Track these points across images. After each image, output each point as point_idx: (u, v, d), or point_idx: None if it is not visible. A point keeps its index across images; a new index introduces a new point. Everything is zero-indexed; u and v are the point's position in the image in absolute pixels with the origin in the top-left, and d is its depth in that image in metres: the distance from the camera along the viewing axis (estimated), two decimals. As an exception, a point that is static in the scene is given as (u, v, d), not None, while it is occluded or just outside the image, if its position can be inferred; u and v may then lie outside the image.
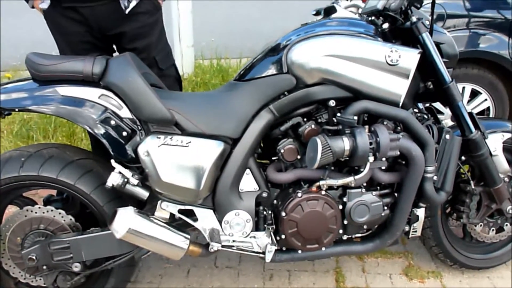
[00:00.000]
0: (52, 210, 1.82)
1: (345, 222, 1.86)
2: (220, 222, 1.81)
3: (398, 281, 2.29)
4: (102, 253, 1.79)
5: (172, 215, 1.80)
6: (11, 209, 1.93)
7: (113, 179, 1.68)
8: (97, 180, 1.78)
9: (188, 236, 1.77)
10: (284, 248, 1.91)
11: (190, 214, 1.81)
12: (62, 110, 1.69)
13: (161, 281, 2.26)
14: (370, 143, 1.71)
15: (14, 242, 1.82)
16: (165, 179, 1.69)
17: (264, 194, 1.85)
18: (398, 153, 1.78)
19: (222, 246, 1.80)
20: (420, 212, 2.00)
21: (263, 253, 1.87)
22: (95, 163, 1.85)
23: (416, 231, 2.06)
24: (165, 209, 1.77)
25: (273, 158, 1.92)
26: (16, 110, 1.71)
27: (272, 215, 1.84)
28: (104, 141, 1.69)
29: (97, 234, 1.75)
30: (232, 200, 1.80)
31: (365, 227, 1.91)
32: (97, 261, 1.85)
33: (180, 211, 1.78)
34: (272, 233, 1.86)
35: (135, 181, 1.68)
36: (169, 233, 1.73)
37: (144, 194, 1.73)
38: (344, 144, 1.69)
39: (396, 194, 1.93)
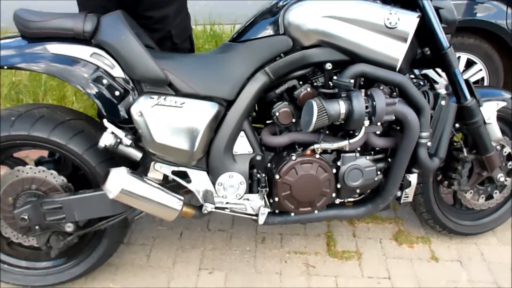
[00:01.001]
0: (44, 171, 1.80)
1: (339, 186, 1.87)
2: (213, 184, 1.81)
3: (388, 246, 2.33)
4: (95, 214, 1.78)
5: (165, 176, 1.80)
6: (2, 170, 1.90)
7: (106, 140, 1.66)
8: (90, 140, 1.76)
9: (182, 198, 1.77)
10: (277, 211, 1.92)
11: (184, 176, 1.80)
12: (53, 68, 1.65)
13: (154, 243, 2.28)
14: (366, 107, 1.70)
15: (6, 202, 1.81)
16: (159, 140, 1.67)
17: (258, 157, 1.85)
18: (394, 117, 1.77)
19: (216, 208, 1.81)
20: (413, 178, 2.02)
21: (256, 215, 1.88)
22: (87, 123, 1.83)
23: (407, 197, 2.08)
24: (158, 170, 1.76)
25: (268, 122, 1.90)
26: (5, 67, 1.66)
27: (266, 178, 1.85)
28: (96, 101, 1.66)
29: (90, 195, 1.74)
30: (226, 163, 1.80)
31: (358, 191, 1.93)
32: (90, 222, 1.85)
33: (173, 173, 1.78)
34: (265, 196, 1.87)
35: (128, 142, 1.66)
36: (163, 194, 1.72)
37: (137, 155, 1.72)
38: (340, 107, 1.68)
39: (389, 160, 1.93)
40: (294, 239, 2.34)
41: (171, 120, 1.67)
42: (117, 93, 1.67)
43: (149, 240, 2.29)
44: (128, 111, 1.67)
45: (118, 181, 1.64)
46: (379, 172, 1.91)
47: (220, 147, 1.77)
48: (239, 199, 1.84)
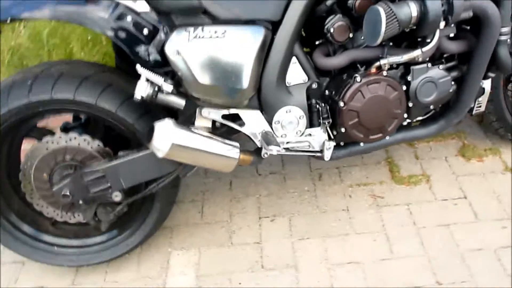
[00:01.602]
0: (75, 138, 1.57)
1: (410, 104, 1.63)
2: (270, 123, 1.58)
3: (456, 163, 2.13)
4: (143, 177, 1.57)
5: (213, 123, 1.56)
6: (28, 144, 1.68)
7: (142, 89, 1.41)
8: (121, 94, 1.51)
9: (237, 144, 1.54)
10: (341, 143, 1.70)
11: (233, 119, 1.57)
12: (60, 12, 1.37)
13: (204, 198, 2.09)
14: (441, 5, 1.41)
15: (41, 179, 1.60)
16: (203, 80, 1.42)
17: (314, 85, 1.59)
18: (472, 14, 1.49)
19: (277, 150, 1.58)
20: (487, 84, 1.77)
21: (320, 151, 1.66)
22: (114, 75, 1.57)
23: (480, 106, 1.85)
24: (206, 117, 1.52)
25: (317, 43, 1.63)
26: (8, 21, 1.38)
27: (327, 107, 1.60)
28: (121, 44, 1.40)
29: (134, 157, 1.52)
30: (281, 96, 1.55)
31: (431, 107, 1.69)
32: (138, 187, 1.64)
33: (223, 117, 1.54)
34: (328, 128, 1.64)
35: (169, 88, 1.40)
36: (217, 143, 1.50)
37: (180, 103, 1.47)
38: (411, 9, 1.40)
39: (463, 66, 1.67)
40: (353, 171, 2.14)
41: (213, 54, 1.40)
42: (145, 31, 1.40)
43: (198, 196, 2.10)
44: (161, 52, 1.40)
45: (167, 136, 1.41)
46: (453, 82, 1.66)
47: (272, 79, 1.52)
48: (300, 136, 1.61)
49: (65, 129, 1.71)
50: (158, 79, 1.40)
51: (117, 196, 1.59)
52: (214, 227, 1.96)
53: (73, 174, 1.57)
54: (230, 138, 1.55)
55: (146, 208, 1.71)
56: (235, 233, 1.93)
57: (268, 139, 1.53)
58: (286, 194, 2.06)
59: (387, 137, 1.69)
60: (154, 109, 1.55)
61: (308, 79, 1.59)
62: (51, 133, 1.64)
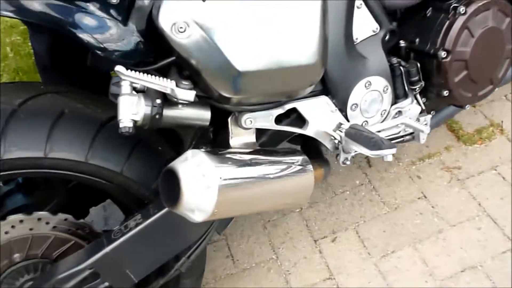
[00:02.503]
0: (21, 221, 0.87)
1: (519, 33, 1.10)
2: (343, 111, 0.97)
3: (520, 99, 1.68)
4: (164, 256, 0.91)
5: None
6: None
7: (133, 109, 0.74)
8: (89, 128, 0.83)
9: (306, 157, 0.93)
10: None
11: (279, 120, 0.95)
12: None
13: (226, 234, 1.47)
14: None
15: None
16: (243, 64, 0.77)
17: (388, 35, 1.01)
18: None
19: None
20: None
21: (411, 134, 1.10)
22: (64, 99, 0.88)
23: None
24: (248, 127, 0.88)
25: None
26: None
27: (417, 65, 1.03)
28: (76, 34, 0.71)
29: (142, 228, 0.85)
30: (353, 64, 0.95)
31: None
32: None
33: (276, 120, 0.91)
34: (417, 96, 1.07)
35: (188, 94, 0.74)
36: (283, 165, 0.87)
37: (204, 116, 0.82)
38: None
39: None
40: (406, 142, 1.62)
41: (259, 16, 0.75)
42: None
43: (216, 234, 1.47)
44: (148, 33, 0.74)
45: (208, 181, 0.75)
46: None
47: (338, 40, 0.91)
48: (385, 118, 1.03)
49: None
50: (165, 83, 0.73)
51: (125, 296, 0.92)
52: (257, 273, 1.36)
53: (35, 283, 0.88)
54: (293, 152, 0.92)
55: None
56: (290, 274, 1.34)
57: (351, 135, 0.92)
58: (335, 198, 1.50)
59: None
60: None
61: (380, 28, 1.00)
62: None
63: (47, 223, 0.91)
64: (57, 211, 0.94)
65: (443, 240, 1.34)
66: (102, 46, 0.73)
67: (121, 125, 0.74)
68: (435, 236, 1.35)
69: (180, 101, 0.74)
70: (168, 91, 0.73)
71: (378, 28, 0.99)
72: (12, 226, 0.88)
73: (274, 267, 1.37)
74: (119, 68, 0.70)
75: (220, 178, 0.75)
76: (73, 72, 1.43)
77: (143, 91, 0.78)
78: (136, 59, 0.76)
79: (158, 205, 0.87)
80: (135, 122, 0.75)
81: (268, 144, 0.99)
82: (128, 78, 0.72)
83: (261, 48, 0.76)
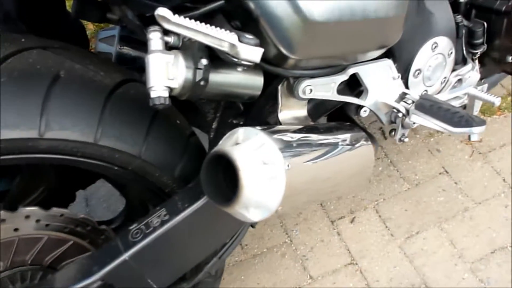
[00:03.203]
0: (3, 221, 0.66)
1: None
2: (404, 77, 0.81)
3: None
4: (195, 259, 0.73)
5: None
6: None
7: (170, 70, 0.53)
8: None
9: (363, 132, 0.76)
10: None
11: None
12: None
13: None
14: None
15: None
16: (320, 11, 0.57)
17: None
18: None
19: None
20: None
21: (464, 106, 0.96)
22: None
23: None
24: (306, 97, 0.69)
25: None
26: None
27: (483, 25, 0.87)
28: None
29: (169, 227, 0.66)
30: (422, 20, 0.78)
31: None
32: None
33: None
34: (476, 61, 0.92)
35: (251, 39, 0.54)
36: (346, 145, 0.70)
37: (258, 80, 0.63)
38: None
39: None
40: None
41: None
42: None
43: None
44: None
45: (273, 166, 0.56)
46: None
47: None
48: (444, 85, 0.88)
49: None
50: (226, 35, 0.52)
51: (143, 307, 0.73)
52: (270, 259, 1.21)
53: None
54: (352, 127, 0.75)
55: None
56: (308, 259, 1.20)
57: (425, 109, 0.76)
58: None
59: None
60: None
61: (447, -24, 0.82)
62: None
63: (38, 221, 0.69)
64: (47, 203, 0.73)
65: (469, 219, 1.24)
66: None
67: (152, 95, 0.54)
68: (461, 215, 1.25)
69: (240, 62, 0.54)
70: (224, 48, 0.53)
71: (444, -23, 0.82)
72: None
73: (289, 252, 1.22)
74: (162, 11, 0.48)
75: (288, 165, 0.57)
76: (44, 24, 1.16)
77: (178, 48, 0.57)
78: (176, 1, 0.54)
79: (186, 197, 0.68)
80: (171, 90, 0.55)
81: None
82: (175, 26, 0.50)
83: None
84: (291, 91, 0.67)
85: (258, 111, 0.75)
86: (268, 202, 0.56)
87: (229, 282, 1.17)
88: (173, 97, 0.64)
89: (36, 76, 0.61)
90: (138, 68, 1.04)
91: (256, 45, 0.53)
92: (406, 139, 0.83)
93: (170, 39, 0.56)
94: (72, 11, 0.85)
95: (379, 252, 1.20)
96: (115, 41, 1.04)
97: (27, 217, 0.69)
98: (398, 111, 0.77)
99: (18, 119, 0.57)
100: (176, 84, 0.55)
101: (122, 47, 1.03)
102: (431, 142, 1.41)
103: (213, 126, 0.78)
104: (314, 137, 0.65)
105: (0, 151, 0.57)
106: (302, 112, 0.71)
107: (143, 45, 0.99)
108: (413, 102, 0.75)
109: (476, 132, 0.67)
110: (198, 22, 0.51)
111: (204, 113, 0.80)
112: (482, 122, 0.67)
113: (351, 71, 0.71)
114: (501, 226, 1.22)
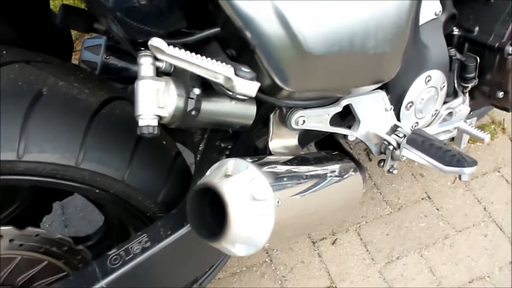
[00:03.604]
0: None
1: None
2: (396, 110, 0.80)
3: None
4: (179, 283, 0.70)
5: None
6: None
7: (160, 98, 0.51)
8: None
9: (352, 162, 0.75)
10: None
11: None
12: None
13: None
14: None
15: None
16: (319, 43, 0.56)
17: (450, 21, 0.85)
18: None
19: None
20: None
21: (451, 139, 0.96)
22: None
23: None
24: (298, 127, 0.67)
25: None
26: None
27: (476, 60, 0.87)
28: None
29: (149, 255, 0.63)
30: (417, 53, 0.77)
31: None
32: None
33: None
34: (467, 95, 0.93)
35: (247, 73, 0.52)
36: (335, 177, 0.69)
37: (250, 110, 0.61)
38: None
39: None
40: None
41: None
42: None
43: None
44: None
45: (263, 202, 0.54)
46: None
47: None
48: (435, 118, 0.88)
49: None
50: (222, 68, 0.50)
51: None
52: (249, 278, 1.19)
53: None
54: (341, 157, 0.74)
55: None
56: (287, 280, 1.19)
57: (417, 144, 0.75)
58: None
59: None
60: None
61: (443, 10, 0.82)
62: None
63: (11, 240, 0.66)
64: (22, 218, 0.70)
65: (449, 246, 1.25)
66: (125, 6, 0.48)
67: (141, 123, 0.51)
68: (441, 242, 1.26)
69: (235, 96, 0.52)
70: (219, 81, 0.51)
71: (441, 10, 0.82)
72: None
73: (268, 272, 1.21)
74: (157, 42, 0.46)
75: (278, 202, 0.55)
76: (24, 29, 1.11)
77: (169, 74, 0.55)
78: (170, 27, 0.52)
79: (169, 224, 0.66)
80: (160, 118, 0.53)
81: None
82: (169, 57, 0.48)
83: (347, 24, 0.56)
84: (283, 121, 0.66)
85: (247, 135, 0.73)
86: (256, 238, 0.55)
87: (206, 301, 1.15)
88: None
89: (17, 94, 0.58)
90: (123, 79, 1.01)
91: (252, 79, 0.52)
92: (395, 171, 0.82)
93: (162, 65, 0.54)
94: (58, 19, 0.81)
95: (359, 276, 1.20)
96: (101, 51, 1.00)
97: (0, 236, 0.65)
98: (389, 143, 0.76)
99: (-5, 140, 0.54)
100: (166, 113, 0.53)
101: (108, 57, 1.00)
102: (415, 166, 1.41)
103: (200, 148, 0.76)
104: (303, 169, 0.64)
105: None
106: (293, 141, 0.70)
107: (130, 56, 0.96)
108: (404, 136, 0.75)
109: (467, 172, 0.66)
110: (193, 54, 0.49)
111: (191, 134, 0.78)
112: (473, 163, 0.67)
113: (344, 102, 0.70)
114: (480, 255, 1.23)
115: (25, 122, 0.56)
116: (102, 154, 0.61)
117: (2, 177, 0.56)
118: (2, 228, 0.65)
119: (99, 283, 0.61)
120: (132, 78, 0.99)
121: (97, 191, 0.64)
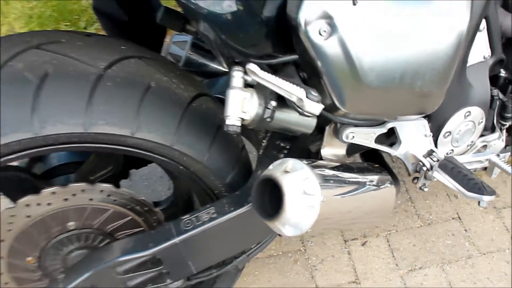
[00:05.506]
0: (83, 191, 0.81)
1: None
2: (434, 136, 0.92)
3: None
4: (229, 251, 0.87)
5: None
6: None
7: (245, 104, 0.67)
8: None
9: (389, 176, 0.88)
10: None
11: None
12: None
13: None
14: None
15: (23, 267, 0.84)
16: (376, 78, 0.70)
17: (496, 65, 0.95)
18: None
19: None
20: None
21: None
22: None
23: None
24: (347, 141, 0.82)
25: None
26: None
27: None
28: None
29: (216, 223, 0.80)
30: (460, 90, 0.89)
31: None
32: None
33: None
34: (503, 131, 1.03)
35: (315, 96, 0.67)
36: (372, 185, 0.83)
37: (311, 121, 0.75)
38: None
39: None
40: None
41: (403, 32, 0.68)
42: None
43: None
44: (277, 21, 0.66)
45: (312, 197, 0.69)
46: None
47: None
48: (470, 148, 0.99)
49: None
50: (296, 90, 0.65)
51: (175, 285, 0.88)
52: (283, 262, 1.34)
53: (90, 257, 0.83)
54: (373, 167, 0.88)
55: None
56: (317, 269, 1.33)
57: (447, 169, 0.88)
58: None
59: None
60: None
61: (492, 54, 0.93)
62: (36, 187, 0.85)
63: (109, 195, 0.85)
64: (109, 180, 0.89)
65: (471, 266, 1.34)
66: (232, 34, 0.64)
67: (227, 122, 0.67)
68: (464, 260, 1.35)
69: (303, 112, 0.67)
70: (293, 99, 0.66)
71: (490, 54, 0.92)
72: (73, 194, 0.82)
73: (301, 260, 1.35)
74: (253, 67, 0.62)
75: (323, 198, 0.70)
76: (133, 18, 1.31)
77: (253, 86, 0.71)
78: (261, 52, 0.67)
79: (233, 202, 0.82)
80: (242, 120, 0.69)
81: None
82: (259, 79, 0.64)
83: (400, 65, 0.69)
84: (336, 134, 0.80)
85: (303, 139, 0.88)
86: (302, 224, 0.70)
87: (243, 275, 1.31)
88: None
89: (133, 85, 0.75)
90: (202, 73, 1.18)
91: (318, 102, 0.66)
92: (426, 189, 0.94)
93: (249, 79, 0.69)
94: (158, 18, 0.97)
95: (382, 277, 1.32)
96: (187, 46, 1.17)
97: (102, 191, 0.84)
98: (424, 164, 0.88)
99: (118, 119, 0.72)
100: (248, 116, 0.68)
101: (191, 53, 1.17)
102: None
103: (263, 144, 0.92)
104: (347, 175, 0.78)
105: (98, 141, 0.72)
106: (342, 151, 0.84)
107: (210, 54, 1.13)
108: (438, 160, 0.87)
109: (485, 200, 0.78)
110: (276, 77, 0.64)
111: (257, 131, 0.94)
112: (492, 192, 0.78)
113: (390, 125, 0.84)
114: (499, 279, 1.32)
115: (139, 107, 0.74)
116: (190, 139, 0.78)
117: (117, 147, 0.74)
118: (104, 185, 0.84)
119: (174, 239, 0.79)
120: (209, 73, 1.17)
121: (181, 167, 0.81)
